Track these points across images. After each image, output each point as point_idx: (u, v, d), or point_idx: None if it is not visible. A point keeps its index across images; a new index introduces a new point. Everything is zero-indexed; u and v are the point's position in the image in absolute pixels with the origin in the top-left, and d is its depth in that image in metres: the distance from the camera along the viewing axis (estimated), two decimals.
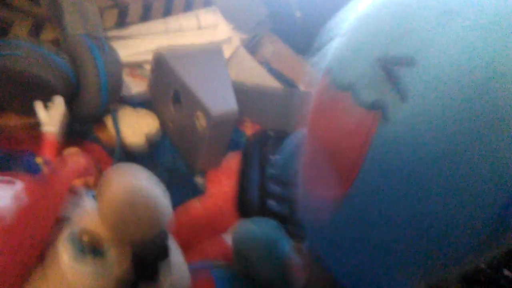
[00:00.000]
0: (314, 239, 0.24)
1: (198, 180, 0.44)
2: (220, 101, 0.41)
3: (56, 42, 0.43)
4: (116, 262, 0.20)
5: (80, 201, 0.23)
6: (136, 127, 0.45)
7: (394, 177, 0.17)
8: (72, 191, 0.23)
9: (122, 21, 0.53)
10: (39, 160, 0.35)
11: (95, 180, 0.36)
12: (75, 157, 0.24)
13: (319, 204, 0.21)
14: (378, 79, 0.18)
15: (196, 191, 0.43)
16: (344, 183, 0.19)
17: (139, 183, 0.20)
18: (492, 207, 0.17)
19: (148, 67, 0.55)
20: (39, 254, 0.19)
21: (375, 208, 0.18)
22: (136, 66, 0.55)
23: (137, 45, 0.54)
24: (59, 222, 0.21)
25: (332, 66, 0.21)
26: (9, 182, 0.22)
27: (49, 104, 0.36)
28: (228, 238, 0.33)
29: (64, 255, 0.19)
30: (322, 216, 0.21)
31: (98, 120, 0.45)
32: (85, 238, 0.20)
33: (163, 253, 0.22)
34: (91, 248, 0.20)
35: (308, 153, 0.23)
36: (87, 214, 0.22)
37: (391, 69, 0.17)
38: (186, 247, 0.32)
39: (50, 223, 0.20)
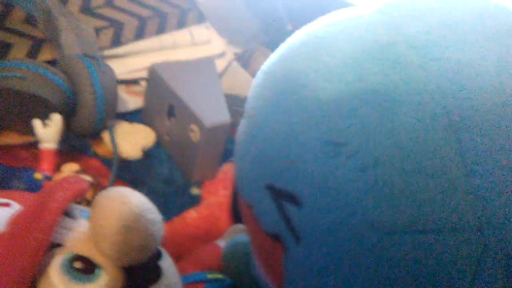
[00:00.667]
0: None
1: (195, 190, 0.45)
2: (213, 113, 0.42)
3: (53, 62, 0.44)
4: (109, 286, 0.21)
5: (73, 224, 0.22)
6: (132, 140, 0.46)
7: None
8: (67, 213, 0.22)
9: (117, 40, 0.55)
10: (38, 176, 0.36)
11: (92, 195, 0.37)
12: (68, 179, 0.24)
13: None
14: (272, 210, 0.16)
15: (193, 201, 0.44)
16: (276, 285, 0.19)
17: (131, 209, 0.20)
18: None
19: (143, 83, 0.56)
20: (30, 282, 0.19)
21: None
22: (132, 83, 0.56)
23: (133, 63, 0.56)
24: (51, 247, 0.20)
25: (235, 178, 0.19)
26: (5, 205, 0.22)
27: (48, 121, 0.37)
28: (222, 244, 0.34)
29: (59, 284, 0.19)
30: None
31: (95, 135, 0.46)
32: (78, 265, 0.20)
33: (155, 275, 0.23)
34: (84, 274, 0.20)
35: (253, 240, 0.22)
36: (80, 238, 0.21)
37: (281, 204, 0.16)
38: (182, 256, 0.33)
39: (41, 250, 0.19)
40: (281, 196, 0.16)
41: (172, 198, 0.43)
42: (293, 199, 0.15)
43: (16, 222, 0.21)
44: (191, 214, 0.42)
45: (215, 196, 0.45)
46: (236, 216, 0.42)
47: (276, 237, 0.16)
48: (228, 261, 0.27)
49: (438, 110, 0.13)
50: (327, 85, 0.15)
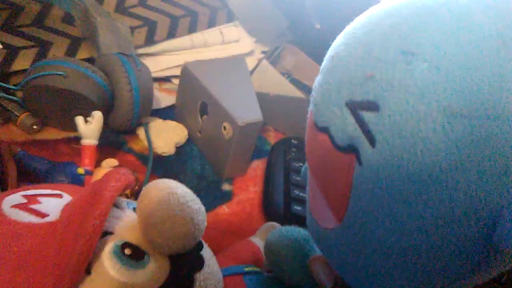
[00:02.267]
0: (325, 254, 0.25)
1: (226, 186, 0.46)
2: (245, 111, 0.43)
3: (91, 61, 0.46)
4: (156, 273, 0.21)
5: (121, 214, 0.23)
6: (166, 137, 0.47)
7: (377, 214, 0.18)
8: (115, 204, 0.24)
9: (151, 39, 0.56)
10: (80, 170, 0.37)
11: (133, 189, 0.38)
12: (119, 171, 0.25)
13: (322, 230, 0.22)
14: (349, 124, 0.18)
15: (224, 197, 0.45)
16: (337, 217, 0.20)
17: (177, 199, 0.21)
18: (477, 232, 0.17)
19: (175, 81, 0.58)
20: (86, 268, 0.20)
21: (366, 240, 0.19)
22: (164, 81, 0.58)
23: (165, 61, 0.57)
24: (103, 235, 0.21)
25: (312, 106, 0.21)
26: (58, 196, 0.23)
27: (89, 118, 0.39)
28: (255, 240, 0.35)
29: (110, 269, 0.20)
30: (327, 241, 0.22)
31: (131, 132, 0.47)
32: (128, 252, 0.21)
33: (198, 264, 0.24)
34: (133, 261, 0.21)
35: (310, 184, 0.24)
36: (128, 227, 0.22)
37: (358, 114, 0.18)
38: (216, 251, 0.34)
39: (97, 235, 0.20)
40: (360, 107, 0.18)
41: (204, 194, 0.44)
42: (372, 105, 0.17)
43: (71, 210, 0.22)
44: (223, 210, 0.43)
45: (245, 192, 0.46)
46: (268, 213, 0.43)
47: (350, 148, 0.18)
48: (274, 250, 0.28)
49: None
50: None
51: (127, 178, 0.24)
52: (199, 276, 0.23)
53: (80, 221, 0.20)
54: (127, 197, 0.36)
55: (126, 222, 0.23)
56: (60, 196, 0.23)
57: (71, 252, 0.19)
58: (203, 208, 0.23)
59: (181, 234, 0.21)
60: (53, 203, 0.23)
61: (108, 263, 0.20)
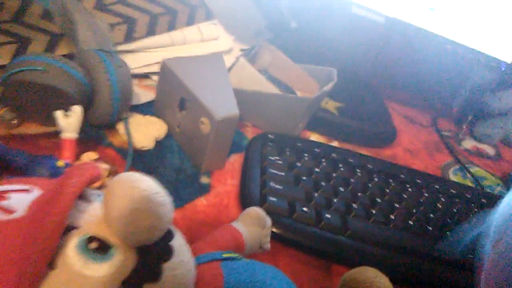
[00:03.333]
0: None
1: (204, 180, 0.47)
2: (222, 106, 0.45)
3: (70, 57, 0.47)
4: (122, 265, 0.22)
5: (88, 208, 0.23)
6: (145, 132, 0.48)
7: None
8: (82, 197, 0.24)
9: (130, 36, 0.57)
10: (60, 163, 0.38)
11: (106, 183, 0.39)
12: (83, 166, 0.24)
13: None
14: None
15: (203, 190, 0.46)
16: None
17: (139, 192, 0.21)
18: None
19: (155, 78, 0.59)
20: (49, 263, 0.20)
21: None
22: (143, 77, 0.59)
23: (145, 58, 0.58)
24: (67, 229, 0.21)
25: None
26: (27, 191, 0.23)
27: (69, 113, 0.40)
28: (237, 225, 0.36)
29: (75, 263, 0.20)
30: None
31: (111, 127, 0.48)
32: (93, 245, 0.21)
33: (166, 254, 0.24)
34: (99, 253, 0.21)
35: None
36: (95, 221, 0.22)
37: None
38: (194, 240, 0.35)
39: (58, 232, 0.20)
40: None
41: (183, 187, 0.45)
42: None
43: (34, 207, 0.22)
44: (201, 202, 0.45)
45: (223, 185, 0.47)
46: (244, 204, 0.44)
47: None
48: None
49: None
50: None
51: (91, 173, 0.24)
52: (167, 266, 0.23)
53: (41, 218, 0.21)
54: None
55: (93, 216, 0.23)
56: (29, 191, 0.24)
57: (32, 249, 0.20)
58: (168, 200, 0.23)
59: (144, 227, 0.21)
60: (21, 199, 0.23)
61: (72, 257, 0.21)
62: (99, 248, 0.21)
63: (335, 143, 0.63)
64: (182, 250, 0.25)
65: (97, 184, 0.34)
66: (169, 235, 0.25)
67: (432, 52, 0.77)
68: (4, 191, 0.23)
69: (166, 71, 0.49)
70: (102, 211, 0.22)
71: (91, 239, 0.21)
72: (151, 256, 0.23)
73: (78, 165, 0.24)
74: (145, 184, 0.22)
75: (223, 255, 0.30)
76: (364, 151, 0.64)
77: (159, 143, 0.49)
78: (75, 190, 0.22)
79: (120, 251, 0.22)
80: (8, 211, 0.22)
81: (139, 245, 0.22)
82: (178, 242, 0.25)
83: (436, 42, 0.63)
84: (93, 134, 0.47)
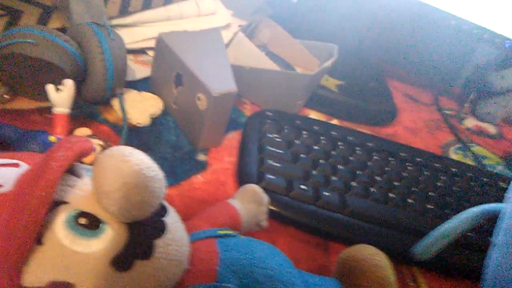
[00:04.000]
0: None
1: (201, 157, 0.47)
2: (220, 82, 0.43)
3: (63, 30, 0.45)
4: (112, 241, 0.21)
5: (78, 183, 0.22)
6: (141, 108, 0.47)
7: None
8: (72, 172, 0.23)
9: (125, 10, 0.55)
10: (52, 138, 0.37)
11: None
12: (70, 139, 0.23)
13: None
14: None
15: (199, 167, 0.45)
16: None
17: (130, 167, 0.20)
18: None
19: (151, 53, 0.57)
20: (36, 237, 0.19)
21: None
22: (139, 53, 0.57)
23: (140, 33, 0.57)
24: (56, 204, 0.21)
25: None
26: (14, 165, 0.22)
27: (60, 87, 0.39)
28: (233, 202, 0.35)
29: (63, 239, 0.20)
30: None
31: (105, 103, 0.47)
32: (82, 221, 0.20)
33: (159, 231, 0.23)
34: (88, 229, 0.20)
35: None
36: (84, 196, 0.22)
37: None
38: (191, 217, 0.34)
39: (43, 207, 0.19)
40: None
41: (180, 164, 0.45)
42: None
43: (21, 182, 0.21)
44: (198, 179, 0.44)
45: (220, 163, 0.47)
46: (241, 181, 0.44)
47: None
48: None
49: None
50: None
51: (80, 146, 0.23)
52: (160, 242, 0.23)
53: (26, 193, 0.20)
54: None
55: (83, 191, 0.22)
56: (16, 165, 0.23)
57: (18, 224, 0.19)
58: (160, 175, 0.22)
59: (135, 202, 0.20)
60: (9, 173, 0.22)
61: (60, 233, 0.20)
62: (89, 223, 0.21)
63: (334, 121, 0.62)
64: (175, 227, 0.25)
65: (89, 159, 0.34)
66: (162, 211, 0.24)
67: (436, 28, 0.75)
68: None
69: (162, 46, 0.48)
70: (92, 186, 0.21)
71: (80, 214, 0.21)
72: (143, 232, 0.22)
73: (66, 138, 0.23)
74: (137, 158, 0.21)
75: (218, 231, 0.30)
76: (364, 129, 0.63)
77: (155, 120, 0.48)
78: (62, 163, 0.21)
79: (111, 227, 0.21)
80: None
81: (130, 220, 0.22)
82: (172, 218, 0.25)
83: (441, 17, 0.61)
84: (88, 110, 0.46)
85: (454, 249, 0.43)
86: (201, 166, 0.45)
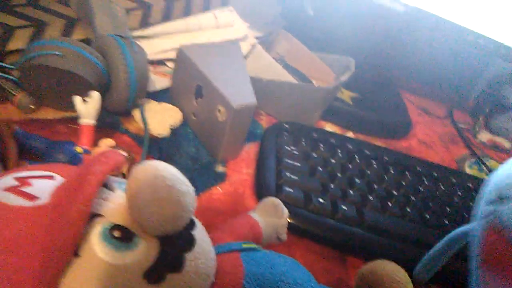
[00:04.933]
0: None
1: (220, 168, 0.47)
2: (240, 95, 0.44)
3: (86, 42, 0.46)
4: (145, 254, 0.21)
5: (111, 196, 0.23)
6: (161, 119, 0.48)
7: None
8: (105, 185, 0.23)
9: (145, 22, 0.56)
10: (79, 149, 0.38)
11: (127, 169, 0.39)
12: (106, 154, 0.24)
13: None
14: None
15: (218, 179, 0.46)
16: None
17: (164, 181, 0.21)
18: None
19: (170, 64, 0.58)
20: (73, 250, 0.20)
21: None
22: (159, 64, 0.58)
23: (160, 44, 0.58)
24: (91, 217, 0.21)
25: None
26: (49, 177, 0.23)
27: (87, 98, 0.39)
28: (254, 215, 0.35)
29: (99, 251, 0.20)
30: None
31: (126, 113, 0.48)
32: (117, 234, 0.21)
33: (189, 244, 0.24)
34: (122, 242, 0.21)
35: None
36: (118, 209, 0.22)
37: None
38: (210, 230, 0.35)
39: (82, 220, 0.20)
40: None
41: (199, 175, 0.45)
42: None
43: (58, 194, 0.21)
44: (217, 190, 0.44)
45: (238, 174, 0.47)
46: (259, 193, 0.44)
47: None
48: None
49: None
50: None
51: (114, 160, 0.24)
52: (190, 256, 0.23)
53: (66, 206, 0.20)
54: (123, 175, 0.37)
55: (116, 204, 0.23)
56: (51, 177, 0.24)
57: (57, 236, 0.19)
58: (191, 190, 0.22)
59: (167, 216, 0.21)
60: (44, 185, 0.23)
61: (96, 245, 0.20)
62: (122, 236, 0.21)
63: (349, 134, 0.63)
64: (203, 240, 0.25)
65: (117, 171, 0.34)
66: (191, 225, 0.25)
67: (451, 42, 0.76)
68: (27, 177, 0.23)
69: (183, 58, 0.49)
70: (125, 200, 0.22)
71: (114, 227, 0.21)
72: (174, 245, 0.23)
73: (102, 152, 0.24)
74: (170, 173, 0.21)
75: (243, 245, 0.30)
76: (378, 142, 0.63)
77: (174, 131, 0.49)
78: (100, 178, 0.22)
79: (143, 240, 0.22)
80: (31, 197, 0.21)
81: (163, 234, 0.22)
82: (199, 232, 0.25)
83: (457, 31, 0.62)
84: (109, 121, 0.47)
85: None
86: (220, 178, 0.46)
